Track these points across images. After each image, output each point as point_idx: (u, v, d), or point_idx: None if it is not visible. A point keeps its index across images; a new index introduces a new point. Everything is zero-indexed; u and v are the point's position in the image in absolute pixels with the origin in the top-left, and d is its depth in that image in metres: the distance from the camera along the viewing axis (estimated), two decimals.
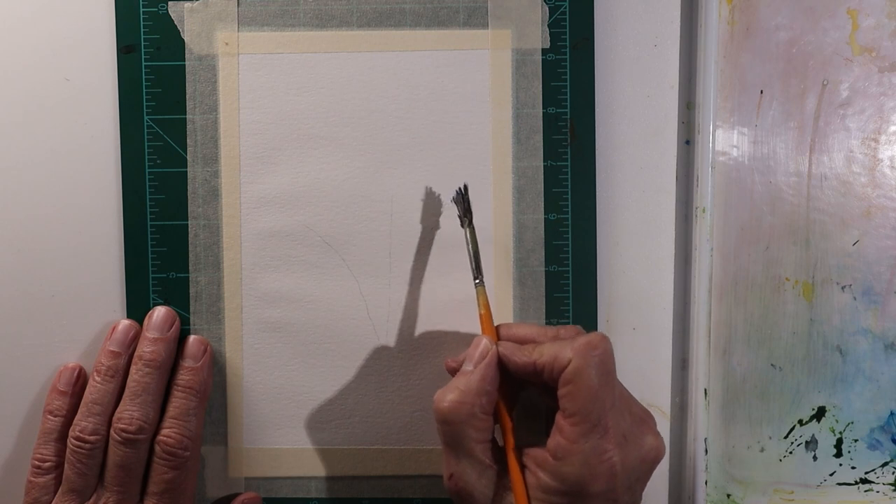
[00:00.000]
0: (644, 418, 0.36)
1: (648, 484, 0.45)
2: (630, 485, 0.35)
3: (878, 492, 0.46)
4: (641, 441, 0.35)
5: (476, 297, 0.40)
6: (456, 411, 0.36)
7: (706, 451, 0.44)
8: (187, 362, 0.42)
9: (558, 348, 0.35)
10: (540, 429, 0.40)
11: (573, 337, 0.36)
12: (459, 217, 0.42)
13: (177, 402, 0.41)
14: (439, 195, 0.44)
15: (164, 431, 0.41)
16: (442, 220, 0.44)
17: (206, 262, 0.44)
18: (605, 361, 0.35)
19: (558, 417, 0.35)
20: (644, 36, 0.44)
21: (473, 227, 0.41)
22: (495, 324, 0.40)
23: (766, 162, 0.44)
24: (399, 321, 0.44)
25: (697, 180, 0.43)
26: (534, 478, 0.35)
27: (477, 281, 0.40)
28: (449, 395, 0.36)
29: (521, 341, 0.38)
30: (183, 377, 0.42)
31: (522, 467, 0.36)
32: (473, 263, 0.40)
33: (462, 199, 0.42)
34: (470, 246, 0.41)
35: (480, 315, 0.39)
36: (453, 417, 0.36)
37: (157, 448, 0.40)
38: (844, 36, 0.44)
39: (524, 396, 0.40)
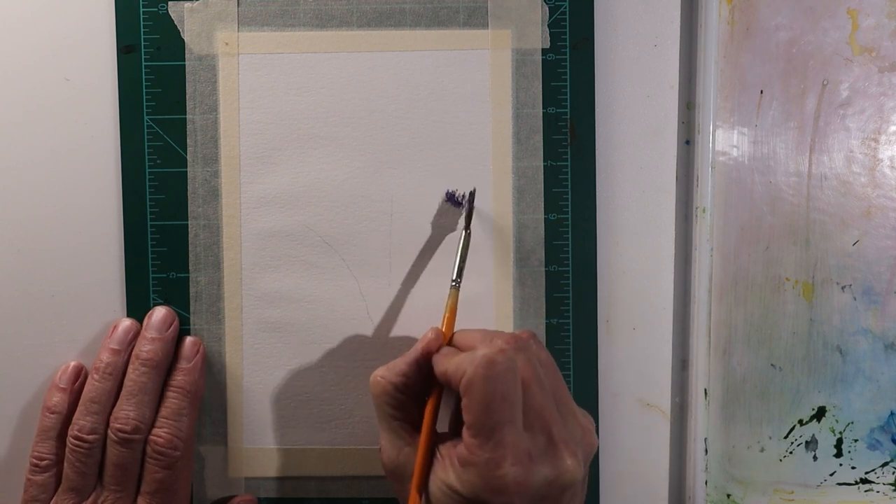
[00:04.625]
0: (567, 439, 0.35)
1: (648, 483, 0.45)
2: (534, 502, 0.34)
3: (878, 492, 0.46)
4: (553, 462, 0.34)
5: (447, 297, 0.40)
6: (375, 385, 0.38)
7: (706, 451, 0.44)
8: (181, 363, 0.42)
9: (462, 360, 0.35)
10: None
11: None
12: (466, 218, 0.42)
13: (169, 402, 0.41)
14: (439, 195, 0.44)
15: (155, 431, 0.41)
16: (442, 220, 0.44)
17: (206, 262, 0.44)
18: (503, 377, 0.34)
19: (463, 427, 0.35)
20: (644, 36, 0.44)
21: (470, 233, 0.42)
22: (457, 328, 0.40)
23: (766, 162, 0.44)
24: (399, 321, 0.44)
25: (697, 180, 0.43)
26: (444, 472, 0.35)
27: (454, 283, 0.40)
28: (378, 370, 0.38)
29: (465, 349, 0.38)
30: (176, 377, 0.42)
31: (440, 457, 0.36)
32: (458, 266, 0.41)
33: (468, 203, 0.42)
34: (461, 248, 0.41)
35: (443, 315, 0.40)
36: (372, 390, 0.38)
37: (147, 448, 0.41)
38: (844, 36, 0.44)
39: None
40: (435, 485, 0.35)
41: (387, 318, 0.44)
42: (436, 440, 0.37)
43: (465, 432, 0.35)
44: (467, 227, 0.42)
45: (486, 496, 0.34)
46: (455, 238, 0.43)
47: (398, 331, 0.44)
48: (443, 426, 0.38)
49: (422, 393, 0.38)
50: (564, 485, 0.34)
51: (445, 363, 0.36)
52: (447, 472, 0.35)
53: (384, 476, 0.44)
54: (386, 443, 0.38)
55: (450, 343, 0.39)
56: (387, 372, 0.38)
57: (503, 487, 0.33)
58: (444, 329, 0.39)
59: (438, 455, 0.36)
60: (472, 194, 0.43)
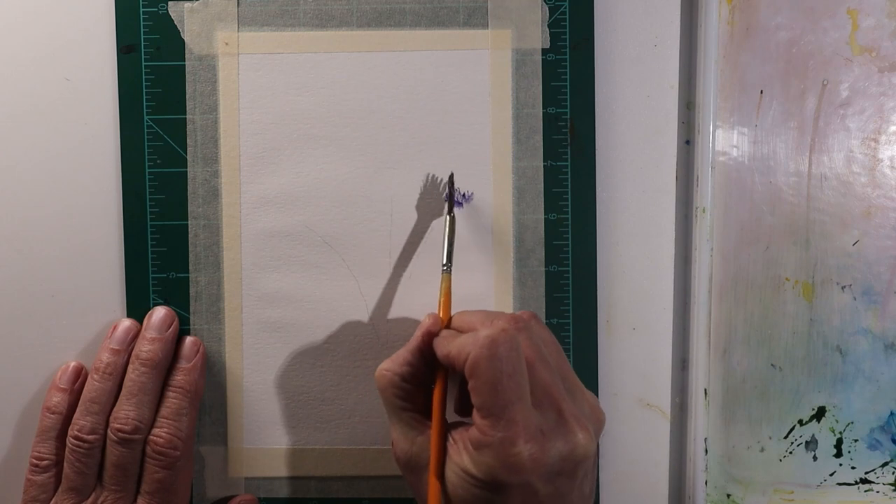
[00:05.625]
0: (577, 414, 0.35)
1: (648, 483, 0.45)
2: (549, 479, 0.34)
3: (878, 492, 0.46)
4: (566, 437, 0.34)
5: (440, 282, 0.40)
6: (380, 379, 0.38)
7: (706, 451, 0.44)
8: (181, 363, 0.42)
9: (465, 341, 0.35)
10: None
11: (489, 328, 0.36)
12: (448, 203, 0.42)
13: (169, 402, 0.41)
14: (439, 195, 0.44)
15: (155, 431, 0.41)
16: (441, 219, 0.44)
17: (206, 262, 0.44)
18: (507, 356, 0.34)
19: (473, 409, 0.35)
20: (644, 36, 0.44)
21: (454, 216, 0.42)
22: (454, 312, 0.40)
23: (766, 162, 0.44)
24: (399, 321, 0.44)
25: (697, 180, 0.43)
26: (458, 456, 0.35)
27: (444, 268, 0.40)
28: (382, 364, 0.38)
29: (466, 330, 0.38)
30: (176, 377, 0.42)
31: (453, 442, 0.36)
32: (447, 251, 0.41)
33: (448, 188, 0.42)
34: (447, 233, 0.41)
35: (439, 301, 0.40)
36: (378, 385, 0.38)
37: (147, 448, 0.41)
38: (844, 36, 0.44)
39: None
40: (451, 470, 0.35)
41: (387, 318, 0.44)
42: (447, 425, 0.37)
43: (475, 414, 0.35)
44: (450, 211, 0.42)
45: (503, 476, 0.34)
46: (457, 235, 0.43)
47: (398, 331, 0.44)
48: (448, 409, 0.38)
49: (428, 380, 0.38)
50: (578, 459, 0.35)
51: (447, 345, 0.36)
52: (462, 457, 0.35)
53: (384, 476, 0.44)
54: (398, 435, 0.38)
55: (449, 326, 0.39)
56: (391, 364, 0.38)
57: (519, 465, 0.33)
58: (440, 314, 0.39)
59: (451, 440, 0.36)
60: (450, 178, 0.43)
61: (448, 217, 0.41)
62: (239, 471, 0.44)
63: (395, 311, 0.44)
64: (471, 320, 0.38)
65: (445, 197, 0.43)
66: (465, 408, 0.39)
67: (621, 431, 0.45)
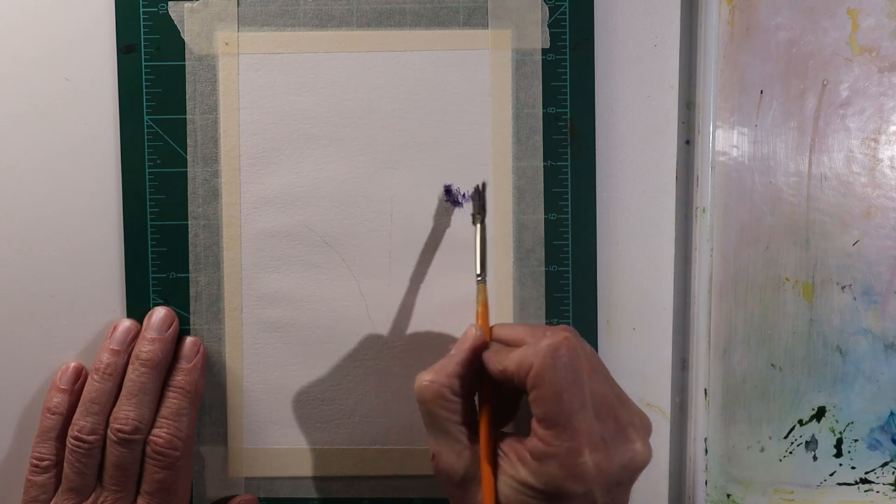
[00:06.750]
0: (632, 423, 0.35)
1: (648, 483, 0.45)
2: (609, 488, 0.34)
3: (878, 492, 0.46)
4: (626, 446, 0.35)
5: (476, 293, 0.40)
6: (425, 390, 0.37)
7: (706, 451, 0.44)
8: (181, 363, 0.42)
9: (524, 354, 0.35)
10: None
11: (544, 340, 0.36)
12: (472, 214, 0.42)
13: (169, 402, 0.41)
14: (439, 195, 0.44)
15: (155, 431, 0.41)
16: (442, 219, 0.44)
17: (206, 262, 0.44)
18: (571, 364, 0.34)
19: (533, 420, 0.35)
20: (644, 36, 0.44)
21: (485, 225, 0.41)
22: (492, 323, 0.39)
23: (766, 162, 0.44)
24: (399, 321, 0.44)
25: (697, 180, 0.43)
26: (513, 469, 0.35)
27: (479, 278, 0.40)
28: (424, 375, 0.37)
29: (511, 343, 0.37)
30: (176, 378, 0.42)
31: (503, 455, 0.36)
32: (479, 261, 0.40)
33: (479, 196, 0.42)
34: (479, 243, 0.41)
35: (477, 311, 0.39)
36: (422, 396, 0.37)
37: (147, 448, 0.41)
38: (844, 36, 0.44)
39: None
40: (505, 483, 0.35)
41: (387, 318, 0.44)
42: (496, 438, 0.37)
43: (535, 425, 0.34)
44: (482, 219, 0.41)
45: (568, 486, 0.33)
46: (456, 235, 0.43)
47: (398, 331, 0.44)
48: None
49: (471, 392, 0.38)
50: (637, 468, 0.35)
51: (502, 360, 0.36)
52: (517, 469, 0.35)
53: (384, 476, 0.44)
54: (444, 448, 0.37)
55: (490, 339, 0.39)
56: (436, 375, 0.37)
57: (584, 474, 0.33)
58: (481, 325, 0.39)
59: (501, 453, 0.36)
60: (482, 187, 0.42)
61: (479, 226, 0.41)
62: (239, 471, 0.44)
63: (395, 312, 0.44)
64: (516, 333, 0.37)
65: (465, 199, 0.43)
66: (503, 419, 0.39)
67: None
